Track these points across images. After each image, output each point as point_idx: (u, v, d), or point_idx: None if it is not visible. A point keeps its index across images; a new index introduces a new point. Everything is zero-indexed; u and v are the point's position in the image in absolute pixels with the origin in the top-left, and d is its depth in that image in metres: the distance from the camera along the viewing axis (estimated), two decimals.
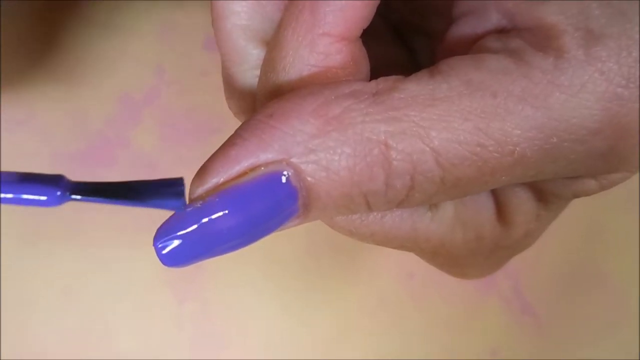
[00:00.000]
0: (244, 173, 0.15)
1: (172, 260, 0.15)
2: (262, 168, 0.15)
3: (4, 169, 0.30)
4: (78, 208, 0.30)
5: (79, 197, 0.14)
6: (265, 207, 0.15)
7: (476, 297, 0.30)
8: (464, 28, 0.17)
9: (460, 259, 0.19)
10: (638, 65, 0.15)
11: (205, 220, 0.15)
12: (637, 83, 0.15)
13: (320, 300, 0.29)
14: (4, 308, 0.29)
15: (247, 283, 0.30)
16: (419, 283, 0.30)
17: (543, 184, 0.17)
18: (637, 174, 0.31)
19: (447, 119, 0.15)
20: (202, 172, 0.15)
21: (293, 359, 0.29)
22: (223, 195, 0.15)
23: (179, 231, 0.15)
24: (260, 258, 0.30)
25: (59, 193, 0.14)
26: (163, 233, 0.15)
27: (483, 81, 0.15)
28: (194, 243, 0.15)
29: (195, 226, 0.15)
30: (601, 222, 0.31)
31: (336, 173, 0.15)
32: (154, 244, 0.15)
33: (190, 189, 0.15)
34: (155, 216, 0.31)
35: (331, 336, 0.29)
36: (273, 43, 0.16)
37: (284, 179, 0.15)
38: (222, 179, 0.15)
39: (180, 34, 0.31)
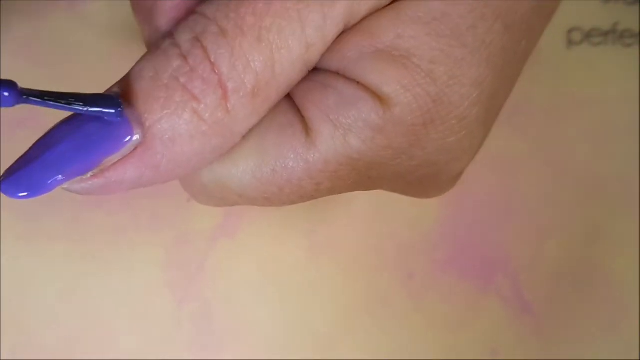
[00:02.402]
0: None
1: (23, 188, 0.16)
2: None
3: (3, 169, 0.30)
4: (78, 208, 0.30)
5: (33, 98, 0.15)
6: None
7: (475, 296, 0.30)
8: None
9: (400, 166, 0.17)
10: None
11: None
12: None
13: (320, 300, 0.29)
14: (4, 308, 0.29)
15: (247, 283, 0.30)
16: (419, 283, 0.30)
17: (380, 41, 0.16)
18: (637, 175, 0.31)
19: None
20: None
21: (293, 359, 0.29)
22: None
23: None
24: (260, 258, 0.30)
25: (6, 94, 0.14)
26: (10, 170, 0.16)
27: None
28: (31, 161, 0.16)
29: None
30: (601, 222, 0.31)
31: (139, 66, 0.16)
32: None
33: None
34: (155, 216, 0.31)
35: (331, 336, 0.29)
36: None
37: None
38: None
39: None
